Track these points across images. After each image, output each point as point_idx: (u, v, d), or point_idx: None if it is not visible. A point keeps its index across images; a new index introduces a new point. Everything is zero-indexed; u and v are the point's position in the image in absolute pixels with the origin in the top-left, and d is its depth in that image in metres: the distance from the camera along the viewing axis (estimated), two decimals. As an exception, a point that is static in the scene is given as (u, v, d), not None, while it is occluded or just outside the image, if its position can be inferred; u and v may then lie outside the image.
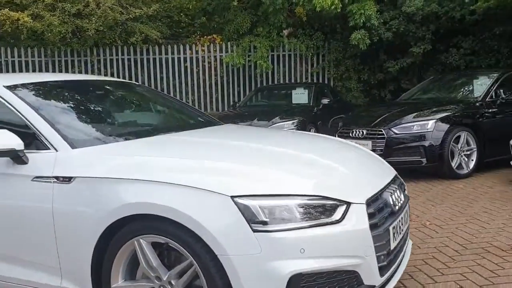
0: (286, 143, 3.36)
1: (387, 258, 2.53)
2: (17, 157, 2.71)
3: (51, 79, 3.67)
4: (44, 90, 3.39)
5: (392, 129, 6.83)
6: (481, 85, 7.65)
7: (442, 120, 6.78)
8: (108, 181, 2.48)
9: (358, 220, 2.36)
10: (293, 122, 8.10)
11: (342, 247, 2.30)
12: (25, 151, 2.72)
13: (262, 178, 2.44)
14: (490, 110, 7.25)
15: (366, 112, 8.78)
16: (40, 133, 2.80)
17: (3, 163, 2.80)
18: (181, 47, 13.94)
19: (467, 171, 6.93)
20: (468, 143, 6.96)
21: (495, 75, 7.73)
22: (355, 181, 2.68)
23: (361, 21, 12.02)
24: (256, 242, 2.17)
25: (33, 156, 2.75)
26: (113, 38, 13.39)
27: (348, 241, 2.31)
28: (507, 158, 6.50)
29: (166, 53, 13.89)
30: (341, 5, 11.80)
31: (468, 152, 6.98)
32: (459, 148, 6.87)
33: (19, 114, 2.90)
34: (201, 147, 3.14)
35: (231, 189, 2.27)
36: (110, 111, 3.70)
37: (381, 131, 6.85)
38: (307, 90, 9.98)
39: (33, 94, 3.22)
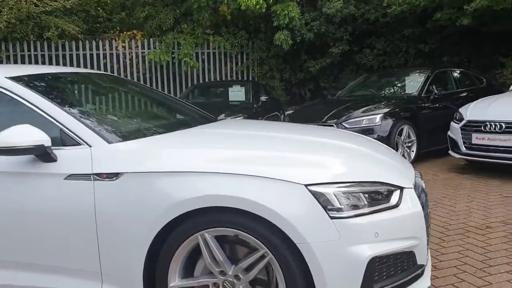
0: (321, 135, 3.35)
1: (428, 239, 2.69)
2: (45, 154, 2.46)
3: (59, 70, 3.36)
4: (56, 83, 3.10)
5: (343, 123, 7.16)
6: (413, 82, 8.28)
7: (388, 114, 7.25)
8: (167, 175, 2.35)
9: (412, 203, 2.49)
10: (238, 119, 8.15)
11: (404, 230, 2.41)
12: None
13: (330, 167, 2.48)
14: (426, 105, 7.90)
15: (311, 108, 9.07)
16: (67, 128, 2.56)
17: (24, 162, 2.53)
18: (100, 42, 13.30)
19: (409, 161, 7.47)
20: (409, 136, 7.50)
21: (426, 73, 8.41)
22: (398, 168, 2.82)
23: (285, 22, 12.34)
24: (334, 228, 2.21)
25: (61, 153, 2.52)
26: (25, 32, 12.41)
27: (408, 223, 2.43)
28: (443, 148, 7.10)
29: (84, 49, 13.16)
30: (266, 5, 12.03)
31: (409, 144, 7.52)
32: (402, 140, 7.38)
33: (36, 108, 2.63)
34: (244, 139, 3.09)
35: (305, 178, 2.28)
36: (124, 105, 3.48)
37: (332, 125, 7.14)
38: (243, 88, 10.05)
39: (45, 87, 2.93)
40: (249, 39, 14.21)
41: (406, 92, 8.26)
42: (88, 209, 2.42)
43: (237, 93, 9.86)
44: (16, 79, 2.81)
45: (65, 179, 2.48)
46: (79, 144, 2.54)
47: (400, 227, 2.40)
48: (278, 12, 12.32)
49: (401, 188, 2.49)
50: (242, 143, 2.90)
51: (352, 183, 2.35)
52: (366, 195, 2.34)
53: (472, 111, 6.50)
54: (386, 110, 7.32)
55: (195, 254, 2.41)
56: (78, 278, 2.51)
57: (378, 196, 2.38)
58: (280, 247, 2.22)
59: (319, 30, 13.25)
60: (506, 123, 5.89)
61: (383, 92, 8.77)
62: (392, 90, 8.69)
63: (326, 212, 2.23)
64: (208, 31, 13.65)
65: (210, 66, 13.94)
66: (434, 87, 8.05)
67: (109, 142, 2.58)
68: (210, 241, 2.33)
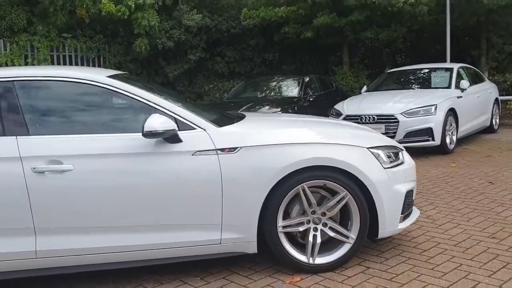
0: (340, 124, 4.39)
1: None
2: (174, 137, 3.07)
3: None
4: (138, 82, 3.58)
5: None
6: (290, 86, 9.84)
7: (282, 112, 8.56)
8: (277, 146, 3.17)
9: (410, 159, 3.77)
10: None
11: (411, 175, 3.67)
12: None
13: (373, 137, 3.61)
14: (306, 104, 9.46)
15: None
16: (183, 117, 3.16)
17: (150, 144, 3.07)
18: None
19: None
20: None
21: (298, 79, 10.05)
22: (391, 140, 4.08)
23: (146, 29, 12.86)
24: (386, 174, 3.35)
25: (182, 136, 3.12)
26: None
27: (412, 171, 3.70)
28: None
29: None
30: (128, 12, 12.38)
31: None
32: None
33: (148, 102, 3.18)
34: (308, 122, 4.12)
35: (366, 144, 3.39)
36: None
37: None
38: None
39: (138, 84, 3.42)
40: (106, 43, 14.30)
41: (289, 95, 9.76)
42: (215, 176, 3.09)
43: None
44: (115, 77, 3.29)
45: (192, 155, 3.10)
46: (193, 128, 3.19)
47: (410, 173, 3.66)
48: (138, 20, 12.73)
49: (402, 150, 3.76)
50: (313, 125, 3.96)
51: (386, 146, 3.54)
52: (392, 154, 3.55)
53: (348, 107, 8.22)
54: (279, 109, 8.65)
55: (291, 201, 3.29)
56: (201, 231, 3.13)
57: (396, 155, 3.60)
58: (356, 189, 3.27)
59: (179, 39, 14.09)
60: (377, 115, 7.72)
61: (266, 94, 10.05)
62: (273, 93, 10.10)
63: (380, 164, 3.36)
64: (66, 34, 13.37)
65: (67, 70, 13.65)
66: (308, 90, 9.73)
67: (219, 126, 3.28)
68: (307, 190, 3.24)
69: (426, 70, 9.49)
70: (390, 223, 3.35)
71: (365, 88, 9.74)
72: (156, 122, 2.97)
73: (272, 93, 10.05)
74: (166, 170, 3.10)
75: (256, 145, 3.19)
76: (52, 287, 3.33)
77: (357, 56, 16.16)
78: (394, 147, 3.65)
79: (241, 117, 3.75)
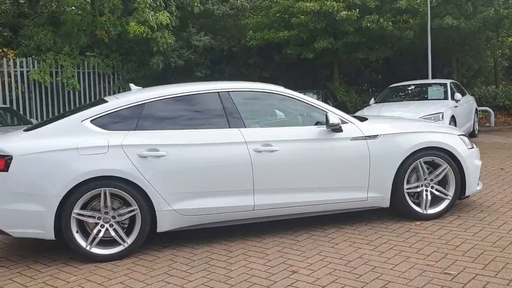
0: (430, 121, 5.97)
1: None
2: (339, 128, 4.59)
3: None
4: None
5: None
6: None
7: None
8: (403, 134, 4.74)
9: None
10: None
11: (479, 155, 5.33)
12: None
13: (456, 129, 5.27)
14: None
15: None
16: (341, 116, 4.66)
17: (322, 133, 4.58)
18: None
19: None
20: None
21: (316, 92, 11.76)
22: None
23: (164, 47, 14.22)
24: (469, 153, 4.99)
25: (343, 127, 4.64)
26: None
27: (478, 153, 5.35)
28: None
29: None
30: (151, 32, 13.74)
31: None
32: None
33: (320, 107, 4.70)
34: (409, 120, 5.89)
35: (456, 132, 5.05)
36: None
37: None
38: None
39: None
40: (122, 61, 15.46)
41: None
42: (365, 153, 4.60)
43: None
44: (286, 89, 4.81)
45: (350, 140, 4.62)
46: (347, 123, 4.70)
47: (478, 154, 5.22)
48: (158, 39, 14.08)
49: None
50: (414, 121, 5.67)
51: (465, 135, 5.21)
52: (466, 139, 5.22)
53: (369, 115, 9.94)
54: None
55: (411, 173, 4.85)
56: (355, 192, 4.62)
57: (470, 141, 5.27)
58: (452, 163, 4.87)
59: (189, 58, 15.48)
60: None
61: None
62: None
63: (466, 146, 5.00)
64: (89, 53, 14.46)
65: (86, 85, 14.69)
66: (328, 101, 11.42)
67: (362, 121, 4.82)
68: (422, 164, 4.82)
69: (423, 85, 11.42)
70: (472, 185, 4.99)
71: (373, 100, 11.53)
72: (335, 119, 4.51)
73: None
74: (334, 150, 4.62)
75: (390, 133, 4.78)
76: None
77: (343, 73, 18.12)
78: (467, 135, 5.34)
79: (366, 118, 5.30)
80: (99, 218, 4.16)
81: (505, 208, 5.12)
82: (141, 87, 5.33)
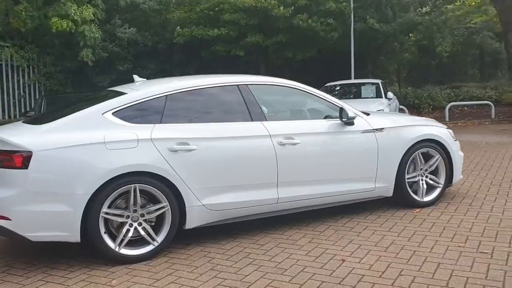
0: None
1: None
2: (352, 122, 4.75)
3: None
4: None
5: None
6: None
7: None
8: (406, 126, 5.04)
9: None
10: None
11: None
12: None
13: (441, 124, 5.68)
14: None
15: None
16: (352, 111, 4.85)
17: (336, 126, 4.70)
18: None
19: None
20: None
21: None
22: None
23: (91, 41, 13.46)
24: (455, 144, 5.42)
25: (355, 121, 4.80)
26: None
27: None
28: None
29: None
30: (75, 26, 12.89)
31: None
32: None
33: (335, 102, 4.81)
34: (406, 116, 6.15)
35: (444, 126, 5.46)
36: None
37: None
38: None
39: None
40: (39, 54, 14.32)
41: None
42: (374, 145, 4.77)
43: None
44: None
45: (361, 133, 4.78)
46: (357, 117, 4.87)
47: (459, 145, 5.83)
48: (85, 33, 13.26)
49: (445, 132, 5.93)
50: (409, 117, 6.05)
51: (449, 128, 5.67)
52: (452, 133, 5.68)
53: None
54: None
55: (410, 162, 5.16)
56: (364, 182, 4.79)
57: (452, 134, 5.75)
58: (443, 152, 5.26)
59: (113, 51, 14.79)
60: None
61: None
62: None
63: (452, 138, 5.43)
64: (3, 43, 13.19)
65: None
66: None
67: (367, 115, 5.01)
68: (420, 155, 5.14)
69: (357, 84, 12.09)
70: (458, 174, 5.45)
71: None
72: (352, 113, 4.68)
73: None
74: (349, 142, 4.79)
75: (394, 126, 5.05)
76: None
77: (270, 72, 18.47)
78: None
79: (368, 113, 5.51)
80: (127, 217, 3.89)
81: (481, 194, 5.64)
82: (145, 79, 5.04)
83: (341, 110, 4.72)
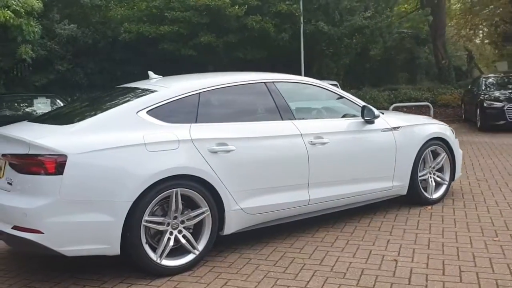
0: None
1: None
2: (373, 121, 4.71)
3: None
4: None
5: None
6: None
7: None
8: (418, 125, 5.08)
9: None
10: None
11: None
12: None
13: (438, 121, 5.80)
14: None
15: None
16: (372, 110, 4.79)
17: (358, 124, 4.65)
18: None
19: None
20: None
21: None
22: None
23: (31, 36, 12.45)
24: (457, 142, 5.57)
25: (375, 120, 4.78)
26: None
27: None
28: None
29: None
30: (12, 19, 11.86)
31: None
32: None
33: (356, 101, 4.76)
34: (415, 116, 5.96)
35: (447, 124, 5.58)
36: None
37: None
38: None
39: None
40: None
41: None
42: (392, 144, 4.75)
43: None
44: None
45: (381, 131, 4.74)
46: (377, 116, 4.83)
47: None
48: (22, 27, 12.24)
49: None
50: (418, 116, 5.94)
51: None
52: (452, 131, 5.83)
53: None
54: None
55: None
56: (383, 181, 4.75)
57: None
58: (447, 148, 5.37)
59: (52, 48, 13.81)
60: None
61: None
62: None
63: (455, 136, 5.58)
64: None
65: None
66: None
67: (379, 116, 4.97)
68: (430, 153, 5.20)
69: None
70: (459, 170, 5.62)
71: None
72: (376, 111, 4.64)
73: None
74: (371, 141, 4.75)
75: (408, 125, 5.10)
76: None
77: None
78: None
79: (382, 112, 5.48)
80: (167, 225, 3.57)
81: (478, 191, 5.85)
82: (161, 76, 4.68)
83: (364, 108, 4.67)
